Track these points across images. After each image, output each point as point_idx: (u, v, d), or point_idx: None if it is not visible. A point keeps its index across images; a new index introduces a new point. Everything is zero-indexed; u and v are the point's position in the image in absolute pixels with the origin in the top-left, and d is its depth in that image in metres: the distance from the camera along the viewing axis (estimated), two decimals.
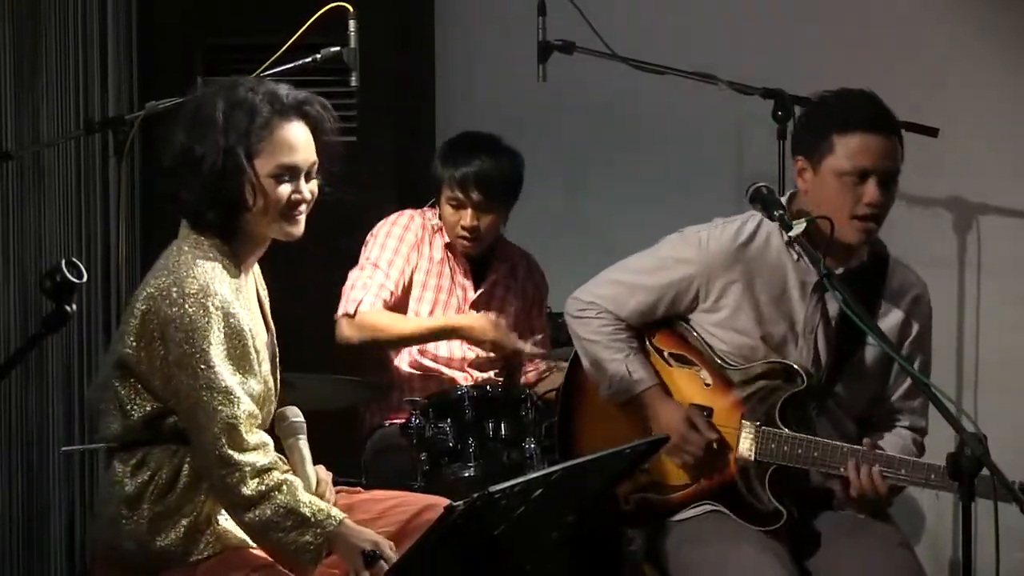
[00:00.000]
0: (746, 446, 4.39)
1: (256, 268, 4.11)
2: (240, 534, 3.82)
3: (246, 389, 3.77)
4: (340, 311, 5.35)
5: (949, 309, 5.94)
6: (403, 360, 5.46)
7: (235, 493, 3.71)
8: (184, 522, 3.79)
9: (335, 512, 3.76)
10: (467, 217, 5.37)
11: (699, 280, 4.45)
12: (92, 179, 6.19)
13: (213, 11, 6.42)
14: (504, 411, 4.96)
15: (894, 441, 4.42)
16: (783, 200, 4.38)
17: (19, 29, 6.10)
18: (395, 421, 5.33)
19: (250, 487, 3.70)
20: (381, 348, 5.42)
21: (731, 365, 4.45)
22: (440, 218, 5.47)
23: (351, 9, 5.12)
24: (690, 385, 4.51)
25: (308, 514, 3.72)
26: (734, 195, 5.62)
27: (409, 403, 5.06)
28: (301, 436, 4.06)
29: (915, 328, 4.51)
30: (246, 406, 3.75)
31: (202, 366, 3.71)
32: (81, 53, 6.19)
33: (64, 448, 6.13)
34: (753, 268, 4.42)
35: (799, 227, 4.14)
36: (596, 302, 4.57)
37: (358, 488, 4.23)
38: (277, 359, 4.12)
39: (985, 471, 3.43)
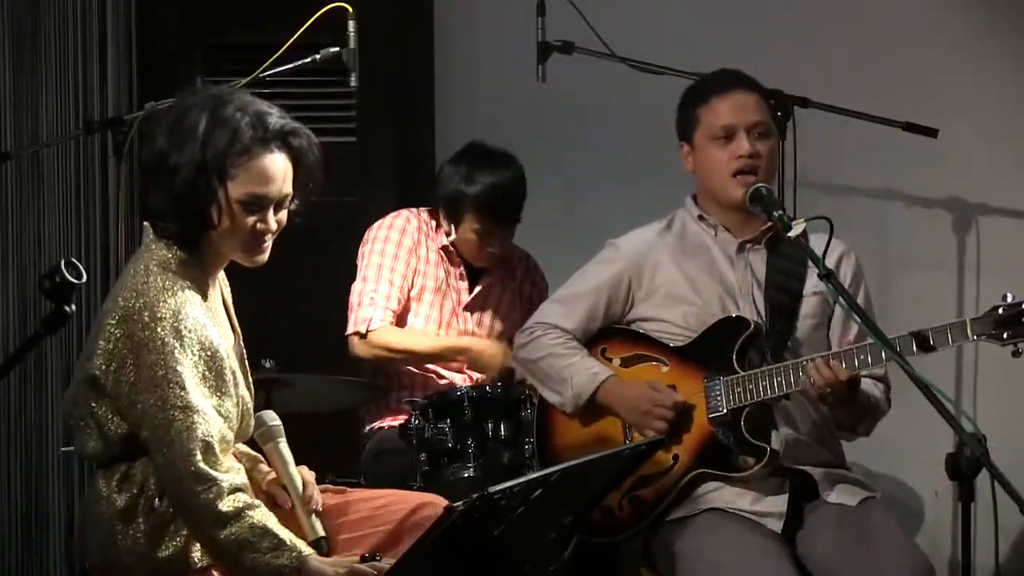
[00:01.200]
0: (716, 402, 4.42)
1: (227, 288, 4.10)
2: None
3: (222, 412, 3.75)
4: (351, 329, 5.35)
5: (948, 309, 5.94)
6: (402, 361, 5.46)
7: (212, 509, 3.66)
8: (184, 530, 3.76)
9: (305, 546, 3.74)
10: (496, 246, 5.40)
11: (629, 272, 4.60)
12: (91, 179, 6.18)
13: (213, 11, 6.41)
14: (503, 412, 4.96)
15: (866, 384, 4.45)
16: (690, 200, 4.65)
17: (18, 29, 6.10)
18: (394, 422, 5.33)
19: (227, 503, 3.66)
20: (395, 364, 5.42)
21: (681, 343, 4.51)
22: (455, 241, 5.45)
23: (350, 9, 5.12)
24: (650, 376, 4.54)
25: (284, 537, 3.70)
26: None
27: (408, 404, 5.06)
28: (280, 439, 4.05)
29: (848, 279, 4.56)
30: (220, 428, 3.73)
31: (176, 388, 3.67)
32: (80, 53, 6.18)
33: (63, 448, 6.13)
34: (676, 246, 4.60)
35: (799, 227, 4.16)
36: (542, 322, 4.69)
37: (343, 488, 4.20)
38: (246, 361, 4.07)
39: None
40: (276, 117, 3.85)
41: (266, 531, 3.69)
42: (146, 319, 3.70)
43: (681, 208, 4.63)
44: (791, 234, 4.15)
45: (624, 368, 4.58)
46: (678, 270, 4.55)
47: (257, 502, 3.73)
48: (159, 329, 3.69)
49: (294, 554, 3.68)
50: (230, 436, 3.79)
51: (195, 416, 3.68)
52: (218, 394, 3.76)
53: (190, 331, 3.71)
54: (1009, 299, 4.06)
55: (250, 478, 3.97)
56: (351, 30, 5.17)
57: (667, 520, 4.47)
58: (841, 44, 5.88)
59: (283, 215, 3.88)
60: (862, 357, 4.22)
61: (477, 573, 3.55)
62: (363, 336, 5.32)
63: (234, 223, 3.80)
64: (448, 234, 5.46)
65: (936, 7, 5.90)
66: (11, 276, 6.11)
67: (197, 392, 3.70)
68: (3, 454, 6.11)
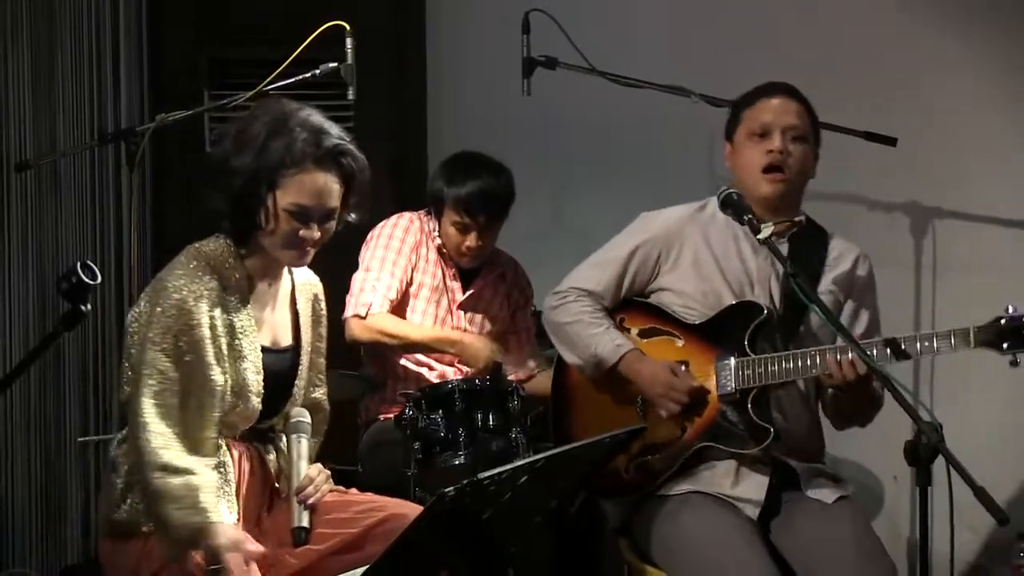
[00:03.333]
0: (726, 382, 4.41)
1: (312, 288, 4.24)
2: None
3: (193, 377, 3.82)
4: (350, 312, 5.34)
5: (906, 306, 5.95)
6: (399, 356, 5.46)
7: (157, 456, 3.74)
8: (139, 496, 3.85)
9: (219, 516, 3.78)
10: (472, 239, 5.39)
11: (660, 243, 4.56)
12: (105, 187, 6.19)
13: (219, 29, 6.42)
14: (491, 403, 4.95)
15: None
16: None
17: (37, 46, 6.10)
18: (390, 413, 5.34)
19: (176, 457, 3.75)
20: (386, 349, 5.42)
21: (696, 320, 4.50)
22: (440, 234, 5.46)
23: (348, 27, 5.13)
24: (664, 349, 4.53)
25: (209, 505, 3.75)
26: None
27: (403, 396, 5.06)
28: (298, 435, 4.07)
29: (858, 282, 4.57)
30: (176, 390, 3.80)
31: (150, 348, 3.78)
32: (95, 69, 6.19)
33: (80, 439, 6.14)
34: (706, 227, 4.56)
35: (767, 230, 4.18)
36: (573, 287, 4.63)
37: (344, 490, 4.20)
38: (302, 368, 4.16)
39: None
40: (333, 138, 3.91)
41: (196, 492, 3.74)
42: (156, 288, 3.84)
43: (714, 196, 4.53)
44: (760, 236, 4.16)
45: (641, 339, 4.57)
46: (705, 248, 4.53)
47: (210, 474, 3.80)
48: (155, 298, 3.81)
49: (205, 516, 3.73)
50: (209, 402, 3.85)
51: (154, 374, 3.77)
52: (185, 358, 3.81)
53: (177, 300, 3.80)
54: (1011, 311, 4.06)
55: None
56: (349, 47, 5.18)
57: (650, 498, 4.46)
58: (804, 61, 5.88)
59: (329, 226, 3.94)
60: (873, 352, 4.20)
61: (467, 554, 3.55)
62: (362, 318, 5.31)
63: (278, 228, 3.87)
64: (435, 230, 5.47)
65: (895, 25, 5.90)
66: (31, 277, 6.11)
67: (161, 355, 3.78)
68: (24, 442, 6.11)
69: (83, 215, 6.17)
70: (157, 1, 6.35)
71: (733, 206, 4.30)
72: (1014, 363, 4.07)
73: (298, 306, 4.15)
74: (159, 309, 3.80)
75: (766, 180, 4.43)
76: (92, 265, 3.47)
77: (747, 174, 4.47)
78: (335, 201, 3.92)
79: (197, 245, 3.93)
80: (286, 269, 4.11)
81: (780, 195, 4.45)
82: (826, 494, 4.39)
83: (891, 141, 5.42)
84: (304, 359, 4.16)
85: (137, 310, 3.88)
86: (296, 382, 4.13)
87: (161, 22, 6.37)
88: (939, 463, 3.47)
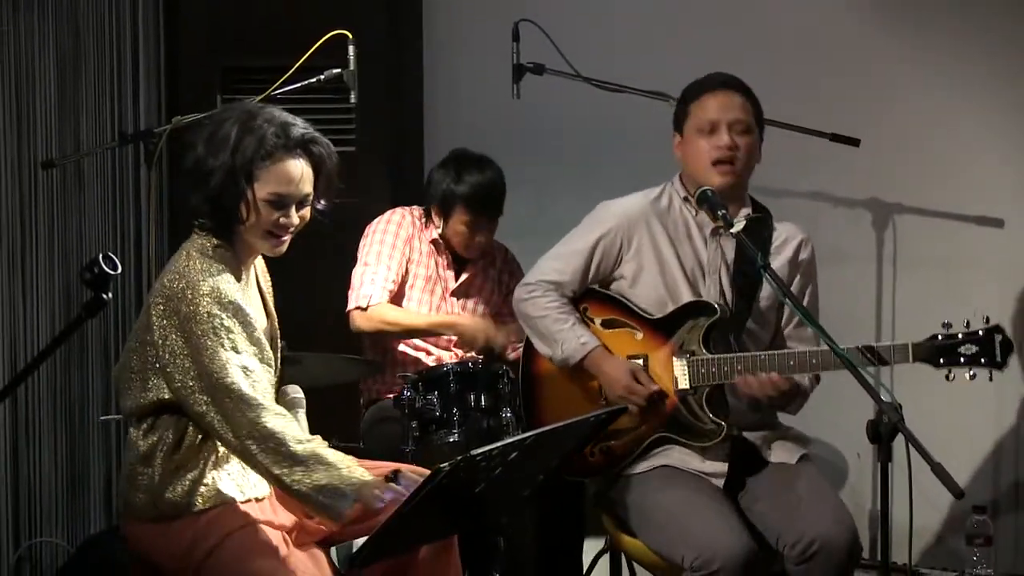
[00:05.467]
0: (682, 378, 4.42)
1: (261, 263, 4.13)
2: (234, 491, 3.84)
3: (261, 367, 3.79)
4: (352, 305, 5.34)
5: (868, 297, 5.94)
6: (398, 342, 5.45)
7: (288, 432, 3.70)
8: (189, 476, 3.81)
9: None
10: (483, 234, 5.40)
11: (621, 233, 4.55)
12: (126, 184, 6.17)
13: (230, 38, 6.41)
14: (484, 384, 4.96)
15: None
16: (676, 179, 4.61)
17: (62, 55, 6.08)
18: (389, 394, 5.33)
19: (296, 432, 3.73)
20: (388, 337, 5.40)
21: (654, 316, 4.50)
22: (444, 233, 5.45)
23: (351, 36, 5.11)
24: (624, 341, 4.53)
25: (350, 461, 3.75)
26: None
27: (401, 378, 5.06)
28: (300, 410, 4.06)
29: (802, 265, 4.58)
30: (269, 379, 3.81)
31: (232, 352, 3.72)
32: (116, 75, 6.17)
33: (102, 417, 6.12)
34: (664, 219, 4.55)
35: (739, 224, 4.19)
36: (540, 280, 4.62)
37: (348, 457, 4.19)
38: (277, 342, 4.11)
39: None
40: (299, 128, 3.89)
41: (336, 453, 3.74)
42: (189, 296, 3.74)
43: (670, 184, 4.60)
44: (733, 230, 4.17)
45: (603, 329, 4.56)
46: (663, 238, 4.51)
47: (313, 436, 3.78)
48: (203, 303, 3.73)
49: (357, 470, 3.71)
50: (269, 374, 3.85)
51: (253, 375, 3.74)
52: (257, 357, 3.79)
53: (231, 302, 3.76)
54: (946, 329, 4.11)
55: None
56: (351, 54, 5.16)
57: (625, 474, 4.48)
58: (778, 68, 5.87)
59: (305, 212, 3.92)
60: (814, 361, 4.25)
61: (461, 525, 3.55)
62: (364, 310, 5.31)
63: (259, 218, 3.85)
64: (438, 228, 5.45)
65: (858, 31, 5.89)
66: (56, 268, 6.09)
67: (247, 353, 3.76)
68: (50, 422, 6.10)
69: (105, 210, 6.16)
70: (174, 13, 6.34)
71: (708, 202, 4.31)
72: (948, 377, 4.11)
73: (261, 285, 4.12)
74: (210, 313, 3.73)
75: (716, 172, 4.43)
76: (113, 256, 3.47)
77: (697, 167, 4.47)
78: (309, 187, 3.90)
79: (198, 246, 3.85)
80: None
81: (731, 186, 4.45)
82: (787, 455, 4.43)
83: (854, 142, 5.41)
84: (277, 334, 4.14)
85: (171, 332, 3.75)
86: (279, 355, 4.11)
87: (177, 33, 6.36)
88: (899, 441, 3.47)
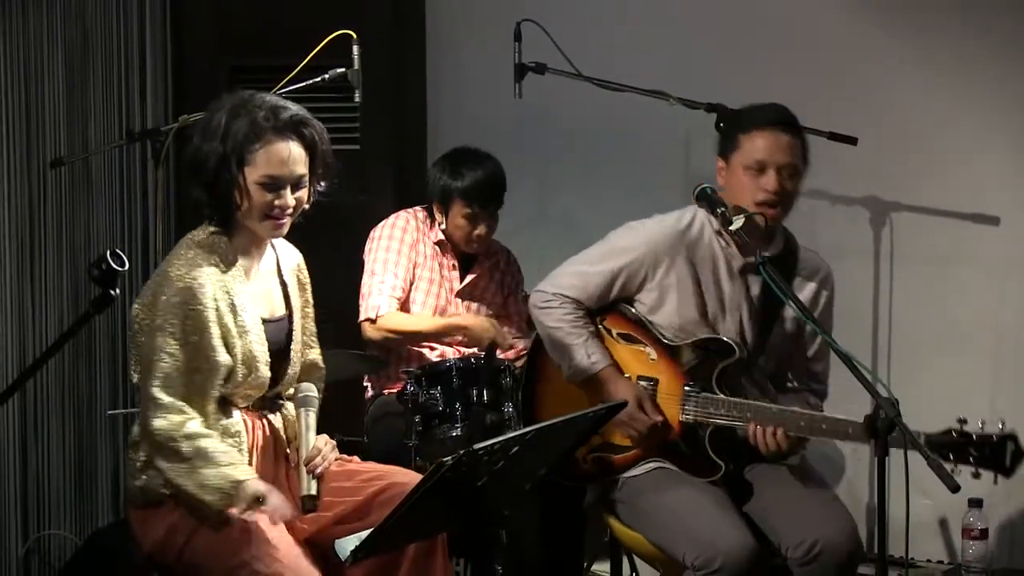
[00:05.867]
0: (689, 410, 4.37)
1: (295, 257, 4.19)
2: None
3: (197, 354, 3.81)
4: (362, 316, 5.34)
5: (866, 293, 5.94)
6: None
7: (165, 431, 3.76)
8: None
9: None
10: (482, 227, 5.39)
11: (647, 262, 4.43)
12: (133, 182, 6.19)
13: (236, 37, 6.42)
14: (486, 380, 4.96)
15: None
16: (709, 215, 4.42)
17: (70, 55, 6.09)
18: (393, 389, 5.33)
19: (178, 427, 3.77)
20: (399, 344, 5.41)
21: (672, 340, 4.44)
22: (446, 228, 5.44)
23: (355, 36, 5.11)
24: (637, 359, 4.48)
25: (235, 458, 3.81)
26: (682, 195, 5.59)
27: (405, 373, 5.06)
28: (306, 408, 4.06)
29: (822, 301, 4.51)
30: (181, 367, 3.79)
31: (156, 334, 3.78)
32: (124, 75, 6.18)
33: (110, 411, 6.13)
34: (691, 251, 4.42)
35: (738, 222, 4.16)
36: (560, 293, 4.52)
37: (352, 457, 4.20)
38: (297, 332, 4.13)
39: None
40: (290, 110, 3.89)
41: (228, 451, 3.79)
42: (159, 279, 3.83)
43: (698, 209, 4.43)
44: (732, 227, 4.15)
45: (618, 342, 4.51)
46: (689, 273, 4.40)
47: (210, 433, 3.81)
48: (159, 288, 3.81)
49: (242, 471, 3.77)
50: (211, 379, 3.84)
51: (170, 371, 3.76)
52: (191, 339, 3.80)
53: (181, 287, 3.78)
54: (960, 427, 3.97)
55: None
56: (355, 54, 5.16)
57: (623, 476, 4.46)
58: (775, 65, 5.87)
59: (301, 194, 3.91)
60: (824, 427, 4.16)
61: (463, 518, 3.55)
62: (373, 322, 5.31)
63: (252, 202, 3.85)
64: (440, 224, 5.45)
65: (856, 29, 5.89)
66: (65, 265, 6.09)
67: (170, 339, 3.77)
68: (58, 416, 6.10)
69: (112, 207, 6.17)
70: (181, 14, 6.35)
71: (707, 200, 4.27)
72: (955, 486, 3.98)
73: (284, 277, 4.12)
74: (164, 297, 3.79)
75: (758, 214, 4.29)
76: (121, 253, 3.47)
77: (740, 202, 4.31)
78: (302, 168, 3.89)
79: (191, 235, 3.93)
80: (270, 245, 4.09)
81: (770, 226, 4.36)
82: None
83: (852, 140, 5.40)
84: (296, 325, 4.14)
85: (141, 302, 3.86)
86: (292, 347, 4.11)
87: (184, 33, 6.38)
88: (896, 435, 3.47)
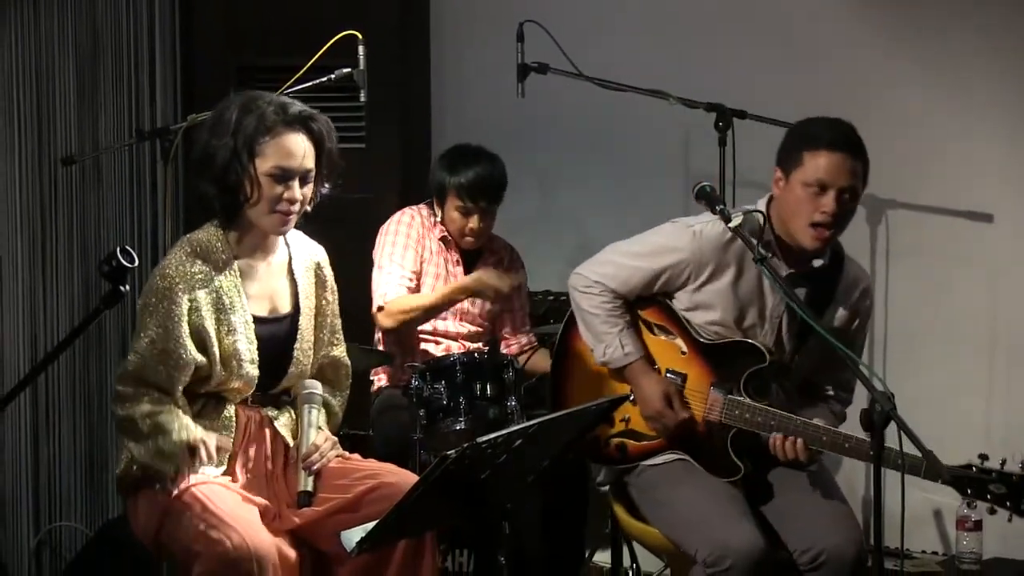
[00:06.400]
0: (715, 410, 4.36)
1: (313, 256, 4.21)
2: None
3: (176, 345, 3.85)
4: (374, 308, 5.33)
5: None
6: (407, 333, 5.44)
7: (123, 413, 3.89)
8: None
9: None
10: (474, 221, 5.37)
11: (692, 265, 4.36)
12: (143, 180, 6.19)
13: (244, 37, 6.42)
14: (489, 374, 4.95)
15: (828, 419, 4.37)
16: (763, 203, 4.36)
17: (81, 55, 6.09)
18: (399, 383, 5.33)
19: (131, 408, 3.87)
20: (416, 324, 5.39)
21: (705, 338, 4.41)
22: (443, 222, 5.44)
23: (360, 37, 5.12)
24: (669, 352, 4.47)
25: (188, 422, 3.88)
26: (682, 192, 5.62)
27: (410, 368, 5.06)
28: (309, 405, 4.07)
29: (861, 315, 4.48)
30: (149, 356, 3.85)
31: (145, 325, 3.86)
32: (133, 75, 6.18)
33: None
34: (737, 259, 4.34)
35: (737, 219, 4.13)
36: (600, 281, 4.46)
37: (353, 455, 4.21)
38: (296, 330, 4.12)
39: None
40: (298, 107, 3.94)
41: (181, 417, 3.86)
42: (155, 272, 3.89)
43: (751, 215, 4.27)
44: (731, 224, 4.12)
45: (651, 333, 4.48)
46: (731, 282, 4.34)
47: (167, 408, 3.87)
48: (152, 280, 3.87)
49: (191, 432, 3.85)
50: (175, 374, 3.87)
51: (145, 356, 3.84)
52: (159, 333, 3.84)
53: (163, 284, 3.84)
54: (980, 463, 3.91)
55: None
56: (361, 54, 5.17)
57: (643, 464, 4.47)
58: (772, 64, 5.86)
59: (308, 189, 3.93)
60: (847, 445, 4.11)
61: (467, 510, 3.55)
62: (382, 309, 5.29)
63: (262, 194, 3.87)
64: (438, 218, 5.45)
65: (854, 28, 5.88)
66: (75, 261, 6.11)
67: (151, 323, 3.84)
68: (70, 409, 6.11)
69: (122, 205, 6.18)
70: (189, 14, 6.35)
71: (707, 198, 4.22)
72: (948, 478, 3.90)
73: (296, 275, 4.12)
74: (153, 288, 3.85)
75: (812, 234, 4.20)
76: (130, 250, 3.49)
77: (795, 220, 4.23)
78: (310, 162, 3.92)
79: (190, 235, 3.96)
80: (282, 243, 4.10)
81: (821, 248, 4.28)
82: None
83: None
84: (304, 323, 4.13)
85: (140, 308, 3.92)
86: (296, 345, 4.10)
87: (193, 32, 6.37)
88: (891, 428, 3.47)
